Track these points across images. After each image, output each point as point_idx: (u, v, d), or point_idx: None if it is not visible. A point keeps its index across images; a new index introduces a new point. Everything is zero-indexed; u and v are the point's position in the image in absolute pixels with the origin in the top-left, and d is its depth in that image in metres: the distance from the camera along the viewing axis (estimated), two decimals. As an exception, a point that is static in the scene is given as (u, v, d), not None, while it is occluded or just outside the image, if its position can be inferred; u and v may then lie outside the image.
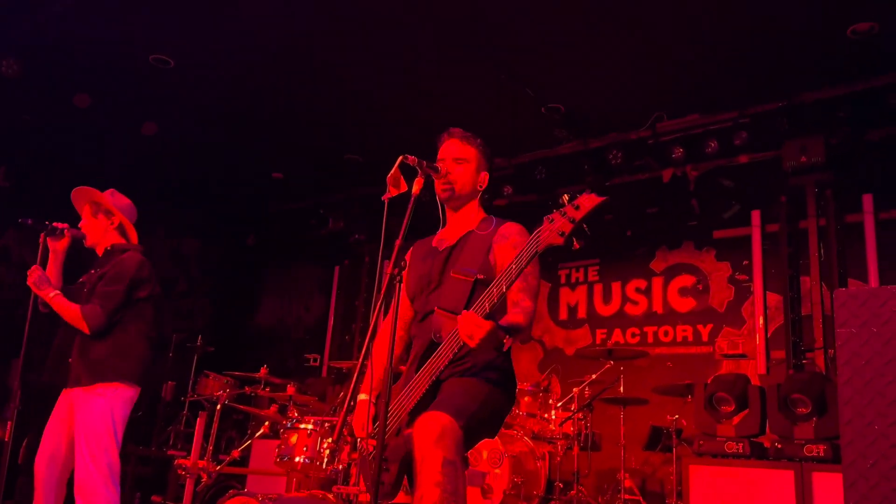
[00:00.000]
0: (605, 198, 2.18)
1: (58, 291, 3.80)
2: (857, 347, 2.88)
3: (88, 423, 3.65)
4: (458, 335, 2.43)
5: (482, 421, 2.55)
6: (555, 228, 2.21)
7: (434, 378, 2.56)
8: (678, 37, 5.53)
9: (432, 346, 2.61)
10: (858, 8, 5.04)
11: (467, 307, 2.48)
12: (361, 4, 5.28)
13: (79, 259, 4.10)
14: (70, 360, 3.84)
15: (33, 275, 3.79)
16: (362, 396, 2.79)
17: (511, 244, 2.68)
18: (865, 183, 5.97)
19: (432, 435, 2.32)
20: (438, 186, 2.83)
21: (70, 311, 3.74)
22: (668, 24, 5.37)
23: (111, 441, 3.65)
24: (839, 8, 5.05)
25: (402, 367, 2.87)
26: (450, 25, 5.46)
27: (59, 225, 3.90)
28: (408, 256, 2.96)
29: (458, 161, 2.83)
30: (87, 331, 3.72)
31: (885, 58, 5.53)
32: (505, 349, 2.56)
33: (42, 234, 3.87)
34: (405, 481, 2.58)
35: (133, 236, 4.15)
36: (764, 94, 6.23)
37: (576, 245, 2.21)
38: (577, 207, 2.17)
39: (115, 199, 4.10)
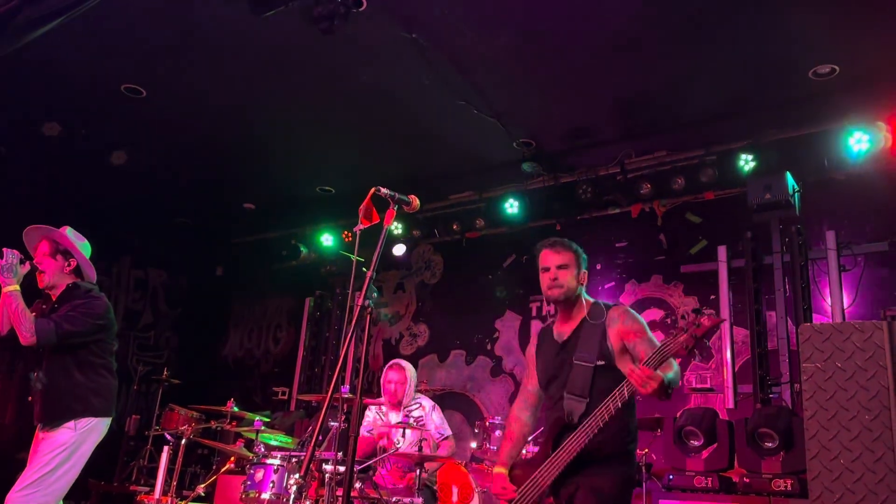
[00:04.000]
0: (723, 319, 2.76)
1: (18, 288, 3.66)
2: (821, 382, 2.92)
3: (47, 454, 3.57)
4: (597, 417, 2.85)
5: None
6: (680, 342, 2.66)
7: (572, 457, 2.90)
8: (646, 75, 5.66)
9: (566, 428, 2.98)
10: (819, 51, 5.21)
11: (591, 391, 2.96)
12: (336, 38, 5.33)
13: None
14: (31, 398, 3.74)
15: (6, 259, 3.66)
16: (498, 469, 3.24)
17: (623, 329, 3.07)
18: (828, 220, 6.12)
19: None
20: (545, 286, 3.24)
21: (22, 315, 3.60)
22: (637, 62, 5.50)
23: (64, 478, 3.58)
24: (801, 50, 5.21)
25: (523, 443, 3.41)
26: (426, 60, 5.52)
27: (15, 252, 3.79)
28: (534, 341, 3.44)
29: (562, 267, 3.22)
30: (29, 341, 3.58)
31: (845, 99, 5.70)
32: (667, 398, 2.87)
33: None
34: None
35: (91, 275, 4.06)
36: (729, 132, 6.38)
37: (696, 357, 2.73)
38: (699, 325, 2.63)
39: (73, 237, 4.00)
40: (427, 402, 5.50)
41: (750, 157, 6.27)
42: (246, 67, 5.79)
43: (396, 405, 5.40)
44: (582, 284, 3.26)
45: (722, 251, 6.50)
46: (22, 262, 3.77)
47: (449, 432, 5.42)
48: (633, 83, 5.78)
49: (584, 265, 3.27)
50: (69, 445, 3.62)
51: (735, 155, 6.35)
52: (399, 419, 5.24)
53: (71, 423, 3.65)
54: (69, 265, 3.94)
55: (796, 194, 6.04)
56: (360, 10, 4.90)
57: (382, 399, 5.55)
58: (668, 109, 6.15)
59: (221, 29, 5.29)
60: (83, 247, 4.03)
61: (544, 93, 6.02)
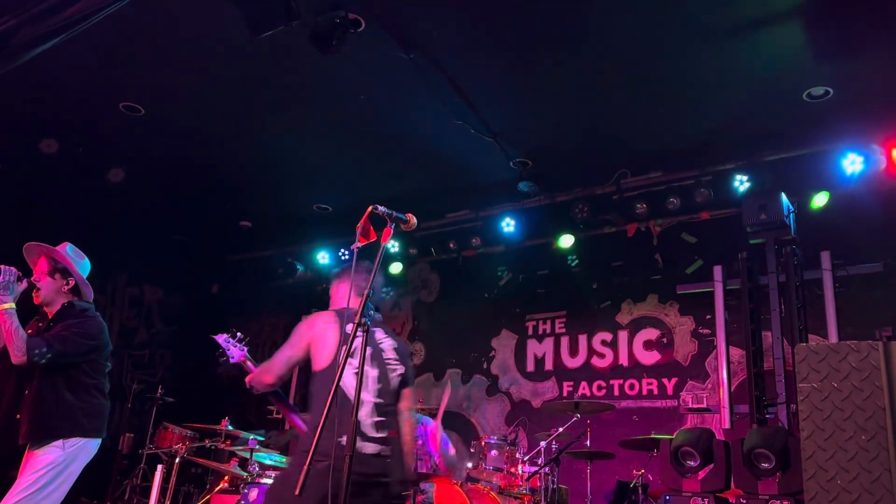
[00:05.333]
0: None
1: (14, 306, 3.62)
2: (818, 402, 2.93)
3: (34, 473, 3.54)
4: None
5: None
6: None
7: None
8: (641, 96, 5.71)
9: None
10: (814, 73, 5.26)
11: None
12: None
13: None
14: (19, 416, 3.70)
15: (2, 276, 3.61)
16: None
17: None
18: (823, 240, 6.14)
19: None
20: None
21: (15, 333, 3.55)
22: (631, 84, 5.54)
23: (51, 497, 3.55)
24: (796, 72, 5.26)
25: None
26: (423, 80, 5.55)
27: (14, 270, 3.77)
28: None
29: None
30: (20, 360, 3.53)
31: (839, 121, 5.75)
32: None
33: None
34: None
35: (89, 294, 4.03)
36: (724, 153, 6.42)
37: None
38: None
39: (73, 255, 3.97)
40: (427, 420, 5.51)
41: (745, 177, 6.31)
42: (244, 87, 5.82)
43: None
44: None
45: (718, 271, 6.51)
46: (19, 279, 3.74)
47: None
48: (629, 104, 5.82)
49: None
50: (57, 464, 3.58)
51: (730, 176, 6.39)
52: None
53: (59, 442, 3.60)
54: (67, 284, 3.90)
55: (791, 215, 6.06)
56: (359, 30, 4.95)
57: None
58: (663, 130, 6.19)
59: (220, 48, 5.32)
60: (82, 265, 4.00)
61: (541, 113, 6.06)
